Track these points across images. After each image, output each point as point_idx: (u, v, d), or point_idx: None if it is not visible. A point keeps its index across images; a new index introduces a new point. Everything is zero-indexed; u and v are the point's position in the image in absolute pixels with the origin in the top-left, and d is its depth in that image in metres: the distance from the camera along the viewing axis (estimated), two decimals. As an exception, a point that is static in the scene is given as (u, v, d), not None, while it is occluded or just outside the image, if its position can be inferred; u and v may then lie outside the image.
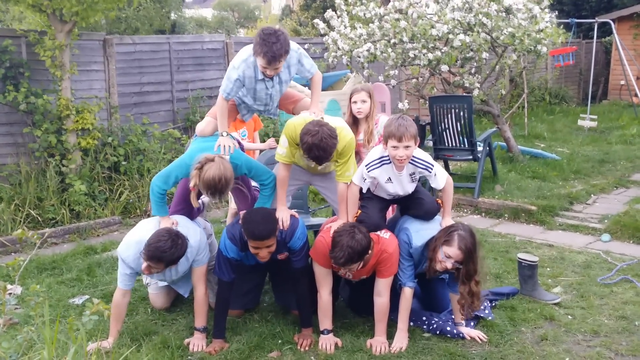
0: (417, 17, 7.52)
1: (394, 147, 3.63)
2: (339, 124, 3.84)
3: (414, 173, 3.83)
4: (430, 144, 7.57)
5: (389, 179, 3.82)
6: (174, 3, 15.04)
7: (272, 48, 3.58)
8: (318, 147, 3.51)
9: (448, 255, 3.61)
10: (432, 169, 3.77)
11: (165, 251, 3.56)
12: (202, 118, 8.51)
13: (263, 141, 5.79)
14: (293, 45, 3.85)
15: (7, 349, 2.01)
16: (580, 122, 11.26)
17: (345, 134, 3.79)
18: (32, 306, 2.13)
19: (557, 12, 9.51)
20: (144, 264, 3.67)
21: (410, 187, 3.89)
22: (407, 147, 3.61)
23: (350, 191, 3.86)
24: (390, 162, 3.75)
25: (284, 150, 3.84)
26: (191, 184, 3.66)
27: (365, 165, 3.82)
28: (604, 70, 15.96)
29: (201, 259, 3.90)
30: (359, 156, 4.44)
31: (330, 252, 3.65)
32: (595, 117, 11.27)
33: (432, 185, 3.88)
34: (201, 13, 29.16)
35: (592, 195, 7.20)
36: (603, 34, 15.19)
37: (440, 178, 3.81)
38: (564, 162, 8.53)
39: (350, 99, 4.75)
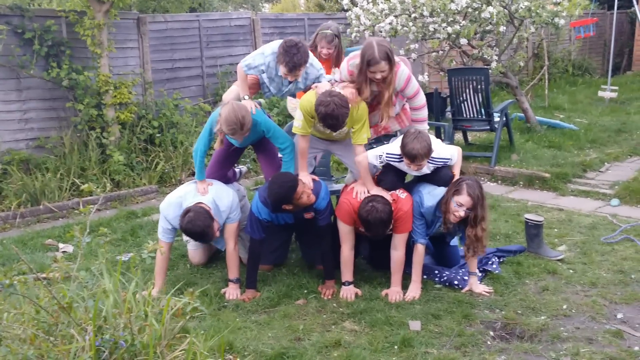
0: (437, -8, 7.78)
1: (408, 164, 4.10)
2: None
3: (433, 169, 4.30)
4: (449, 115, 7.88)
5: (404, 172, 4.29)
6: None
7: (293, 58, 4.07)
8: (331, 116, 3.92)
9: (460, 204, 3.99)
10: (449, 160, 4.28)
11: (204, 230, 4.11)
12: (231, 93, 9.00)
13: None
14: (317, 64, 4.34)
15: (84, 277, 2.50)
16: (600, 93, 11.39)
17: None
18: (100, 244, 2.60)
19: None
20: None
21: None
22: (419, 164, 4.08)
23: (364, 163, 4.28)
24: None
25: (300, 122, 4.24)
26: (216, 128, 4.22)
27: (387, 153, 4.21)
28: (630, 41, 15.89)
29: (233, 217, 4.36)
30: None
31: (367, 232, 4.11)
32: (616, 88, 11.38)
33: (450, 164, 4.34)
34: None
35: (605, 163, 7.45)
36: (630, 4, 15.11)
37: (455, 157, 4.32)
38: (581, 132, 8.73)
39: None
